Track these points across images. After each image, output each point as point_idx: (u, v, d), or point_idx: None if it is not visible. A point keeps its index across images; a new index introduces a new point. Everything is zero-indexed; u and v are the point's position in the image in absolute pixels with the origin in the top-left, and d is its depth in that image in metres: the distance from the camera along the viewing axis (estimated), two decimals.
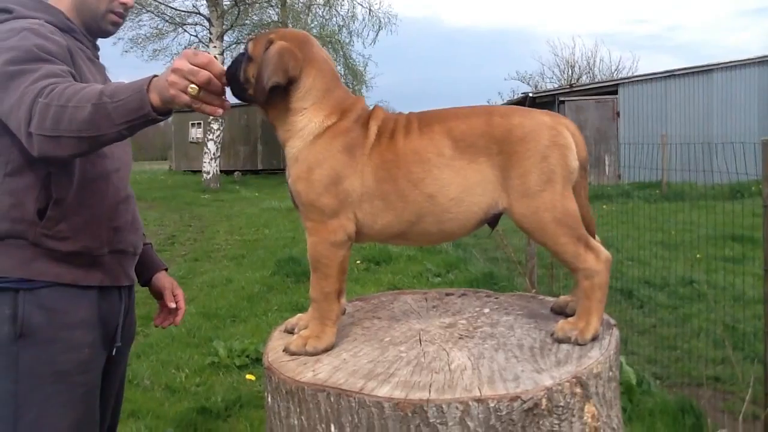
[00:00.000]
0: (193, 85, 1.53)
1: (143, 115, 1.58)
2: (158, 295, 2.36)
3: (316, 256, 1.62)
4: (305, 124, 1.63)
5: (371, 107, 1.72)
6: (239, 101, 1.81)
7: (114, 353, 2.08)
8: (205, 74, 1.54)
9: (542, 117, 1.63)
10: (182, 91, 1.53)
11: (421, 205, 1.61)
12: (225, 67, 1.64)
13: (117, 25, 2.11)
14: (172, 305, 2.33)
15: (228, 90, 1.66)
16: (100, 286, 1.98)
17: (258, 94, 1.61)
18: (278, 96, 1.62)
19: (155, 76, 1.61)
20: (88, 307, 1.94)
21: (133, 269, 2.16)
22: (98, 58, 2.15)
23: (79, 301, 1.91)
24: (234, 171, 28.16)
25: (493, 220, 1.68)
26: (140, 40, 25.48)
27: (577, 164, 1.63)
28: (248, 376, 4.73)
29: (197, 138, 30.39)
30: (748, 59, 21.04)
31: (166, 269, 2.40)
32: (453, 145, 1.60)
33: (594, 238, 1.70)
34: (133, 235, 2.10)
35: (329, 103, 1.65)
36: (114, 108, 1.57)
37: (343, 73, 27.34)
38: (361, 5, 28.53)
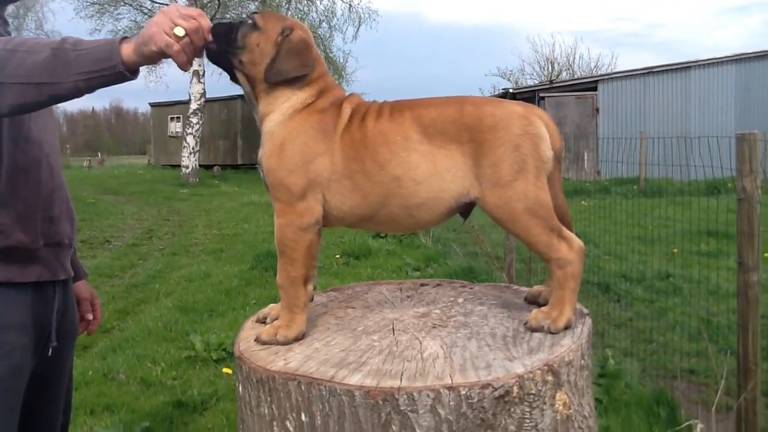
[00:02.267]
0: (179, 28, 1.50)
1: (110, 67, 1.50)
2: (76, 302, 2.21)
3: (283, 239, 1.61)
4: (288, 98, 1.65)
5: (348, 94, 1.74)
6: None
7: (51, 353, 1.95)
8: (195, 22, 1.52)
9: (514, 107, 1.63)
10: (165, 33, 1.49)
11: (388, 186, 1.60)
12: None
13: None
14: (90, 317, 2.24)
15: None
16: (36, 283, 1.85)
17: (274, 76, 1.62)
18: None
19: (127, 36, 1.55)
20: (21, 308, 1.81)
21: (69, 262, 2.03)
22: (9, 34, 1.97)
23: (12, 302, 1.78)
24: (213, 165, 28.01)
25: (465, 210, 1.67)
26: (120, 33, 25.23)
27: (551, 154, 1.63)
28: (225, 370, 4.69)
29: (176, 132, 30.18)
30: (725, 57, 21.29)
31: (87, 277, 2.29)
32: (422, 131, 1.60)
33: (570, 230, 1.70)
34: (68, 225, 1.98)
35: (317, 84, 1.68)
36: (76, 56, 1.48)
37: None
38: (342, 0, 28.44)
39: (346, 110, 1.66)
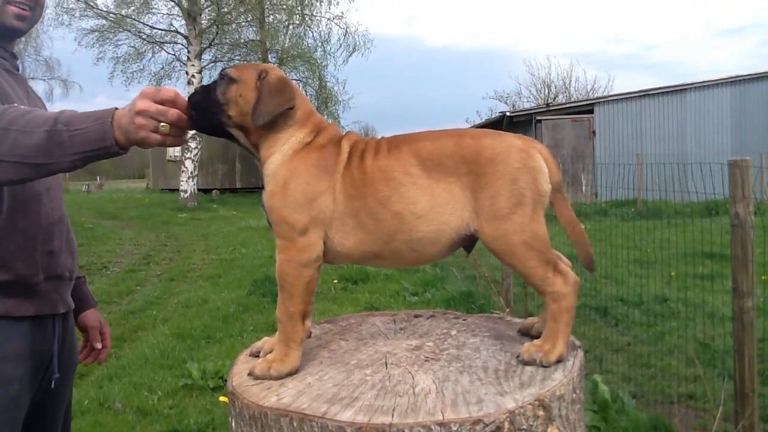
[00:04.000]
0: (164, 124, 1.54)
1: (104, 147, 1.54)
2: (84, 331, 2.25)
3: (283, 275, 1.62)
4: (287, 139, 1.67)
5: (345, 132, 1.76)
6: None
7: (53, 385, 1.96)
8: (174, 113, 1.55)
9: (513, 140, 1.64)
10: (153, 132, 1.53)
11: (390, 223, 1.61)
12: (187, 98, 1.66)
13: (23, 18, 1.92)
14: (98, 346, 2.25)
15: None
16: (35, 316, 1.86)
17: (261, 117, 1.63)
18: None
19: (116, 109, 1.58)
20: (19, 339, 1.82)
21: (69, 294, 2.04)
22: (18, 69, 2.02)
23: (10, 334, 1.80)
24: (212, 189, 28.04)
25: (468, 243, 1.68)
26: (121, 59, 25.40)
27: (549, 188, 1.64)
28: (222, 399, 4.67)
29: (175, 156, 30.23)
30: (721, 79, 21.46)
31: (96, 306, 2.31)
32: (420, 164, 1.62)
33: (589, 250, 1.72)
34: (69, 258, 1.99)
35: (310, 122, 1.71)
36: (70, 137, 1.52)
37: (316, 93, 27.40)
38: (338, 25, 28.68)
39: (345, 147, 1.67)
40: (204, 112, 1.66)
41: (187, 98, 1.65)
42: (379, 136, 1.76)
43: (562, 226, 1.72)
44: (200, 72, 23.17)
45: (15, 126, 1.52)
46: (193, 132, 1.70)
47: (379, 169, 1.63)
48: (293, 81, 1.78)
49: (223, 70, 1.72)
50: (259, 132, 1.68)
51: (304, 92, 1.78)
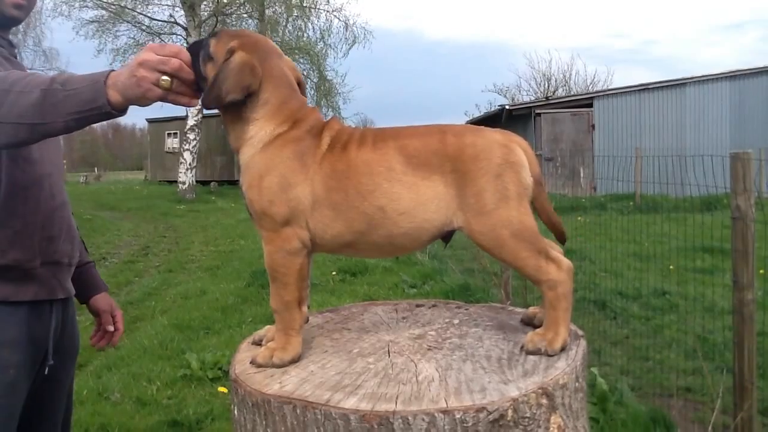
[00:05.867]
0: (165, 77, 1.48)
1: (96, 107, 1.50)
2: (96, 315, 2.26)
3: (273, 265, 1.61)
4: (255, 133, 1.62)
5: (327, 119, 1.71)
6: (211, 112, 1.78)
7: (48, 372, 1.95)
8: (176, 61, 1.49)
9: (494, 135, 1.65)
10: (154, 85, 1.48)
11: (371, 216, 1.60)
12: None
13: (20, 7, 1.92)
14: (111, 328, 2.25)
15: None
16: (32, 302, 1.86)
17: (211, 102, 1.57)
18: (232, 106, 1.61)
19: (113, 70, 1.53)
20: (16, 325, 1.81)
21: (70, 281, 2.03)
22: (15, 57, 2.00)
23: (7, 319, 1.79)
24: (210, 181, 28.03)
25: (447, 236, 1.68)
26: (121, 50, 25.33)
27: (531, 180, 1.65)
28: (221, 389, 4.68)
29: (173, 148, 30.22)
30: (720, 74, 21.44)
31: (107, 290, 2.31)
32: (405, 161, 1.60)
33: (564, 240, 1.75)
34: (69, 244, 1.99)
35: (282, 113, 1.64)
36: (65, 96, 1.49)
37: (314, 84, 27.34)
38: (338, 18, 28.60)
39: (326, 138, 1.64)
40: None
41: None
42: (362, 127, 1.73)
43: (539, 216, 1.73)
44: None
45: (16, 87, 1.50)
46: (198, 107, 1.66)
47: (363, 162, 1.61)
48: None
49: (214, 33, 1.65)
50: (227, 118, 1.64)
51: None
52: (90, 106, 1.50)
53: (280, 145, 1.61)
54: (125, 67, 1.52)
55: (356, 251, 1.70)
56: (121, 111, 1.54)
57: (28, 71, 1.72)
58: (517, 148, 1.64)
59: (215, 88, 1.56)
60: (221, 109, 1.61)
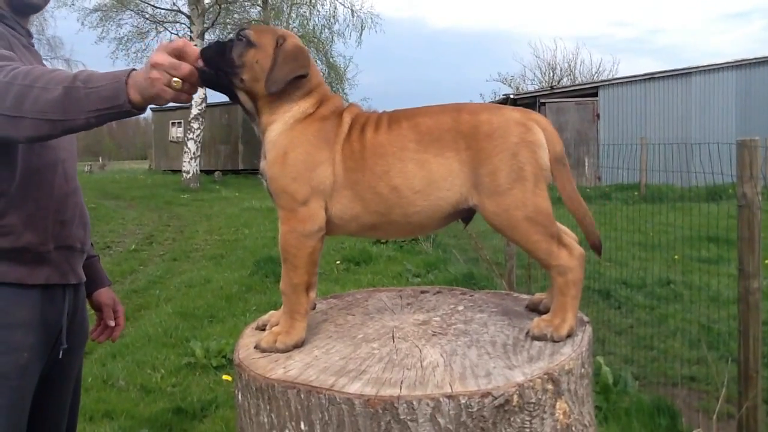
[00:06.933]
0: (176, 79, 1.53)
1: (117, 105, 1.54)
2: (98, 309, 2.28)
3: (286, 246, 1.61)
4: (291, 108, 1.66)
5: (347, 104, 1.74)
6: (218, 97, 1.81)
7: (61, 356, 1.98)
8: (187, 67, 1.54)
9: (512, 113, 1.62)
10: (167, 86, 1.53)
11: (387, 197, 1.61)
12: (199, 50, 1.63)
13: None
14: (112, 323, 2.27)
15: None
16: (45, 285, 1.88)
17: (273, 84, 1.61)
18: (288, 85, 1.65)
19: (134, 69, 1.58)
20: (30, 307, 1.84)
21: (81, 267, 2.05)
22: (33, 46, 2.03)
23: (21, 301, 1.81)
24: (214, 171, 28.02)
25: (466, 216, 1.67)
26: (123, 39, 25.31)
27: (548, 161, 1.62)
28: (225, 377, 4.69)
29: (177, 137, 30.20)
30: (726, 63, 21.30)
31: (110, 285, 2.33)
32: (418, 139, 1.61)
33: (593, 230, 1.67)
34: (81, 230, 2.01)
35: (318, 93, 1.69)
36: (86, 94, 1.52)
37: (325, 72, 27.29)
38: (343, 5, 28.46)
39: (346, 120, 1.66)
40: (216, 69, 1.64)
41: (199, 51, 1.62)
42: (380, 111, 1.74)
43: (564, 203, 1.68)
44: None
45: (38, 83, 1.53)
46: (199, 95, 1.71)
47: (378, 143, 1.62)
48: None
49: (241, 30, 1.69)
50: (267, 98, 1.66)
51: None
52: (111, 103, 1.53)
53: (308, 124, 1.65)
54: (143, 67, 1.56)
55: (375, 232, 1.70)
56: (141, 109, 1.58)
57: (46, 64, 1.73)
58: (536, 126, 1.61)
59: (277, 70, 1.61)
60: (276, 90, 1.63)
